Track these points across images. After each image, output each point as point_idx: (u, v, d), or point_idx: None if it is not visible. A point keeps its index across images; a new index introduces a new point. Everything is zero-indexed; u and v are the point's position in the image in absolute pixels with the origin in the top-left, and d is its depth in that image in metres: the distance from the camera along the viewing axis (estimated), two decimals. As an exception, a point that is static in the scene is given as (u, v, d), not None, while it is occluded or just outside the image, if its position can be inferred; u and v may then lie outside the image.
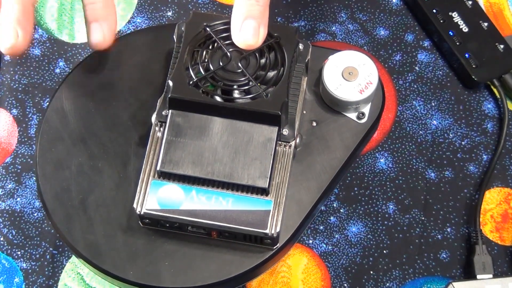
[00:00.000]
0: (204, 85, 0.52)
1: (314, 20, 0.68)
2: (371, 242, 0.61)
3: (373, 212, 0.62)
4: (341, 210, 0.62)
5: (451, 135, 0.64)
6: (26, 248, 0.61)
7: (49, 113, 0.56)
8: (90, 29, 0.54)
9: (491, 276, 0.58)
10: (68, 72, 0.58)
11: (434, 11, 0.67)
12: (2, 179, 0.63)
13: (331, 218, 0.62)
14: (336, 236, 0.61)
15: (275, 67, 0.53)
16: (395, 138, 0.64)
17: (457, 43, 0.66)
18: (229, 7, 0.69)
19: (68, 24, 0.69)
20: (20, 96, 0.66)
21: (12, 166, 0.64)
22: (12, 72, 0.67)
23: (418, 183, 0.63)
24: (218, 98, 0.52)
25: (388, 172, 0.63)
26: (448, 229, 0.61)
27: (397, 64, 0.67)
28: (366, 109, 0.55)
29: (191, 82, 0.51)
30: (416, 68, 0.67)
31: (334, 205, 0.62)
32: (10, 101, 0.66)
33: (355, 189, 0.63)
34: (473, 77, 0.65)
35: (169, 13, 0.69)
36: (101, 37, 0.54)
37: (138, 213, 0.50)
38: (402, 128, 0.65)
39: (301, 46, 0.54)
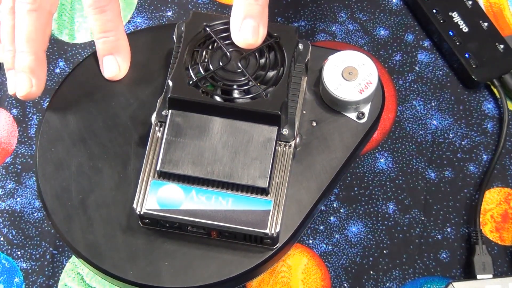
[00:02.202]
0: (204, 85, 0.52)
1: (314, 20, 0.68)
2: (371, 242, 0.61)
3: (373, 212, 0.62)
4: (341, 210, 0.62)
5: (451, 135, 0.64)
6: (26, 248, 0.61)
7: (49, 113, 0.56)
8: (104, 62, 0.55)
9: (491, 276, 0.58)
10: (68, 72, 0.58)
11: (434, 11, 0.67)
12: (2, 179, 0.63)
13: (331, 218, 0.62)
14: (336, 236, 0.61)
15: (275, 67, 0.53)
16: (395, 138, 0.64)
17: (457, 43, 0.66)
18: (229, 7, 0.69)
19: (68, 24, 0.69)
20: (20, 96, 0.66)
21: (12, 166, 0.64)
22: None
23: (418, 183, 0.63)
24: (218, 98, 0.52)
25: (388, 172, 0.63)
26: (448, 229, 0.61)
27: (397, 64, 0.67)
28: (366, 109, 0.55)
29: (190, 82, 0.52)
30: (416, 68, 0.67)
31: (334, 205, 0.62)
32: (10, 101, 0.66)
33: (355, 189, 0.63)
34: (473, 77, 0.65)
35: (169, 13, 0.69)
36: (117, 70, 0.56)
37: (138, 213, 0.50)
38: (402, 128, 0.65)
39: (301, 46, 0.54)
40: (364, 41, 0.68)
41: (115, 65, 0.55)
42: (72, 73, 0.57)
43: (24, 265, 0.61)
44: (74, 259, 0.61)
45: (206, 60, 0.53)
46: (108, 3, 0.55)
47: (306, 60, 0.54)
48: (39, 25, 0.53)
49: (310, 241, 0.61)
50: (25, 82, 0.52)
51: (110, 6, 0.55)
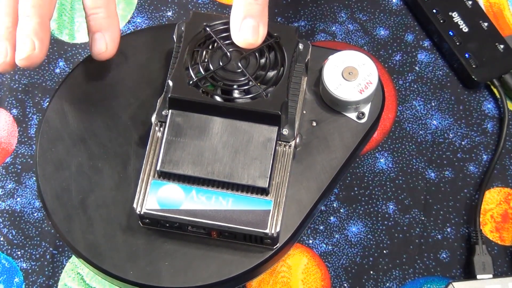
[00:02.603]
0: (204, 85, 0.52)
1: (314, 20, 0.68)
2: (371, 242, 0.61)
3: (373, 212, 0.62)
4: (341, 210, 0.62)
5: (451, 135, 0.64)
6: (26, 248, 0.61)
7: (49, 113, 0.56)
8: (93, 39, 0.54)
9: (491, 276, 0.58)
10: (68, 72, 0.58)
11: (434, 11, 0.67)
12: (2, 179, 0.63)
13: (331, 218, 0.62)
14: (336, 236, 0.61)
15: (275, 67, 0.53)
16: (395, 138, 0.64)
17: (457, 43, 0.66)
18: (229, 7, 0.68)
19: (68, 24, 0.69)
20: (20, 96, 0.66)
21: (12, 166, 0.64)
22: (12, 72, 0.67)
23: (418, 183, 0.63)
24: (218, 98, 0.52)
25: (388, 172, 0.63)
26: (448, 229, 0.61)
27: (397, 64, 0.67)
28: (366, 109, 0.55)
29: (191, 82, 0.51)
30: (416, 68, 0.67)
31: (334, 205, 0.62)
32: (10, 101, 0.66)
33: (355, 189, 0.63)
34: (473, 77, 0.65)
35: (169, 13, 0.69)
36: (104, 47, 0.54)
37: (138, 213, 0.50)
38: (402, 128, 0.65)
39: (301, 46, 0.54)
40: (364, 41, 0.68)
41: (102, 42, 0.54)
42: (72, 73, 0.57)
43: (24, 265, 0.61)
44: (74, 259, 0.61)
45: (206, 60, 0.53)
46: None
47: (306, 60, 0.54)
48: None
49: (310, 241, 0.61)
50: (28, 44, 0.50)
51: None
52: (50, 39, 0.52)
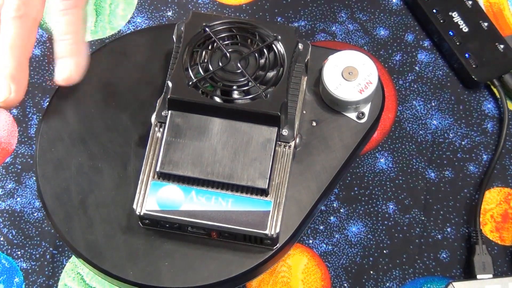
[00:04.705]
0: (203, 85, 0.52)
1: (314, 20, 0.68)
2: (371, 242, 0.61)
3: (373, 212, 0.62)
4: (341, 210, 0.62)
5: (451, 135, 0.64)
6: (26, 248, 0.61)
7: (49, 113, 0.56)
8: (57, 64, 0.54)
9: (491, 276, 0.58)
10: (68, 72, 0.58)
11: (434, 11, 0.67)
12: (2, 179, 0.63)
13: (331, 218, 0.62)
14: (336, 236, 0.61)
15: (274, 67, 0.53)
16: (395, 138, 0.64)
17: (457, 43, 0.66)
18: (229, 7, 0.69)
19: (68, 24, 0.68)
20: (20, 96, 0.66)
21: (12, 166, 0.64)
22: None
23: (418, 183, 0.63)
24: (217, 99, 0.51)
25: (388, 172, 0.63)
26: (448, 229, 0.61)
27: (397, 64, 0.67)
28: (366, 109, 0.55)
29: (190, 83, 0.51)
30: (416, 68, 0.67)
31: (334, 205, 0.62)
32: (10, 101, 0.66)
33: (355, 189, 0.63)
34: (473, 77, 0.65)
35: (169, 13, 0.69)
36: (67, 74, 0.54)
37: (138, 214, 0.50)
38: (402, 128, 0.65)
39: (300, 46, 0.54)
40: (364, 41, 0.68)
41: (66, 68, 0.54)
42: (72, 73, 0.57)
43: (24, 265, 0.61)
44: (74, 259, 0.61)
45: (205, 60, 0.53)
46: (74, 7, 0.54)
47: (306, 60, 0.54)
48: (23, 32, 0.52)
49: (310, 241, 0.61)
50: (4, 88, 0.51)
51: (75, 10, 0.54)
52: (28, 78, 0.53)
